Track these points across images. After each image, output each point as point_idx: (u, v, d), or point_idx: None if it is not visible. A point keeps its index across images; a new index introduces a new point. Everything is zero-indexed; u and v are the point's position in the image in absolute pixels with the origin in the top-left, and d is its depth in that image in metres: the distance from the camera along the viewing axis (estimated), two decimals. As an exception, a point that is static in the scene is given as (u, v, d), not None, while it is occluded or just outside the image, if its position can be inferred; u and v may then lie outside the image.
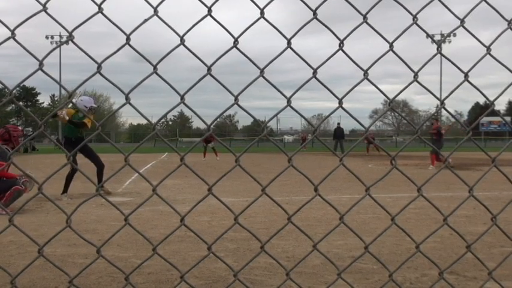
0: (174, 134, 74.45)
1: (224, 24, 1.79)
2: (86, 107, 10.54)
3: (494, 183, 10.12)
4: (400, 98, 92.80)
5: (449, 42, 74.13)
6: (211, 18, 1.78)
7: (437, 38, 73.58)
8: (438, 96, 2.13)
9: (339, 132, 35.71)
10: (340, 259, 4.87)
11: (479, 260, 2.23)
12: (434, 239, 5.35)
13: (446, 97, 1.98)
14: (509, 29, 2.02)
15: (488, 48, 1.95)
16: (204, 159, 24.36)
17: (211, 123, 1.73)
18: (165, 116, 1.74)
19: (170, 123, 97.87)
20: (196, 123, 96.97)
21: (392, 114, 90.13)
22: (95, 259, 1.83)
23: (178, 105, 1.71)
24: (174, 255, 5.18)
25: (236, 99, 1.72)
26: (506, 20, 1.97)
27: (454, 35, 68.90)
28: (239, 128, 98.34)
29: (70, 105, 11.76)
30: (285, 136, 77.35)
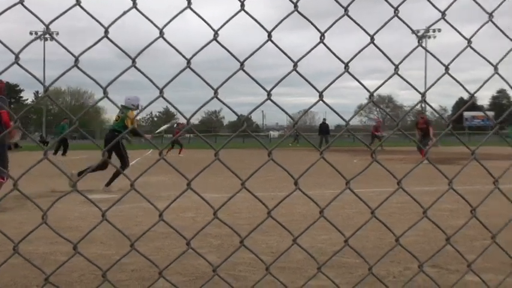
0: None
1: (209, 20, 1.77)
2: (134, 105, 11.23)
3: (477, 177, 10.19)
4: (385, 93, 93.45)
5: (434, 37, 74.54)
6: (196, 13, 1.76)
7: (422, 32, 73.94)
8: (423, 91, 2.13)
9: (324, 128, 35.86)
10: (323, 254, 4.87)
11: (459, 253, 2.24)
12: (417, 232, 5.37)
13: (427, 90, 1.98)
14: (490, 23, 2.03)
15: (469, 41, 1.95)
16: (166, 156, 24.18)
17: (191, 117, 1.71)
18: (143, 109, 1.73)
19: (155, 119, 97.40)
20: (182, 119, 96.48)
21: (377, 109, 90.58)
22: (70, 256, 1.81)
23: (157, 98, 1.69)
24: (158, 252, 5.16)
25: (216, 92, 1.70)
26: (487, 12, 1.97)
27: (439, 30, 69.26)
28: (225, 124, 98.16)
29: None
30: (271, 132, 77.39)
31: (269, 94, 1.77)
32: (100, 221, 1.73)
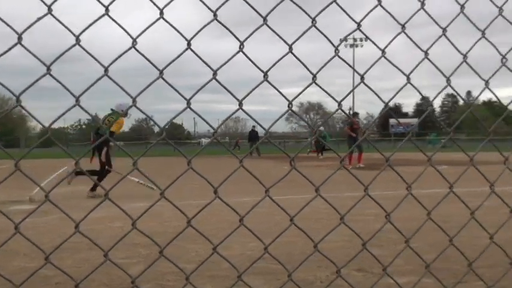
0: (88, 138, 72.24)
1: (132, 26, 1.75)
2: (122, 111, 11.34)
3: (400, 182, 10.51)
4: (314, 100, 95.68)
5: (362, 46, 76.85)
6: (114, 21, 1.73)
7: (351, 42, 76.31)
8: (349, 99, 2.19)
9: (253, 135, 36.29)
10: (252, 260, 4.88)
11: (374, 257, 2.32)
12: (343, 237, 5.47)
13: (343, 99, 2.04)
14: (403, 34, 2.11)
15: (383, 51, 2.03)
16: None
17: (110, 125, 1.68)
18: (58, 118, 1.68)
19: (84, 127, 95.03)
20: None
21: (307, 116, 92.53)
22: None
23: (72, 107, 1.65)
24: (84, 263, 5.03)
25: (134, 101, 1.68)
26: (399, 24, 2.05)
27: (366, 39, 71.25)
28: (156, 132, 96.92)
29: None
30: (202, 139, 77.05)
31: (188, 102, 1.76)
32: (13, 234, 1.67)
